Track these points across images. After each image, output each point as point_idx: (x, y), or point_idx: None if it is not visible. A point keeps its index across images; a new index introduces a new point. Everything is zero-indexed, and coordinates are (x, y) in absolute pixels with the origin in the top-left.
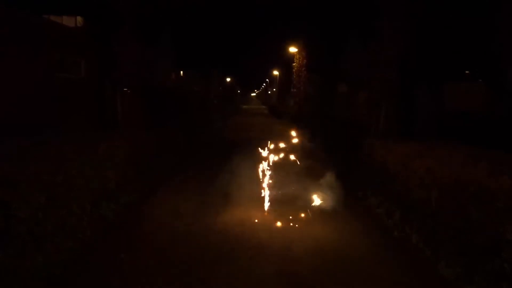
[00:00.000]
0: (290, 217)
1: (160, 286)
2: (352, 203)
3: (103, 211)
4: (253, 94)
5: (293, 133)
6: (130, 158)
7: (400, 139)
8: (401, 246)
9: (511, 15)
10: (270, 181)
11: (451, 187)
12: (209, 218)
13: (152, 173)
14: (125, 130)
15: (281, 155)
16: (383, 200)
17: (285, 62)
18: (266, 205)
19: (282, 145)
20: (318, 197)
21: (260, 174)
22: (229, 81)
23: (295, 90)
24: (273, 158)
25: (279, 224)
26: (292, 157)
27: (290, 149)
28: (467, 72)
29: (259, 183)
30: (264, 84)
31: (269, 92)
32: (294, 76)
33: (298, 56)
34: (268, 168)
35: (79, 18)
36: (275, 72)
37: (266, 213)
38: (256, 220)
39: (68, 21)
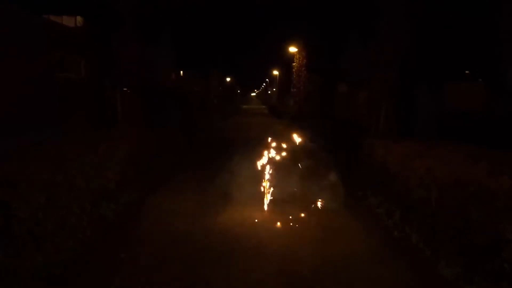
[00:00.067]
0: (290, 217)
1: (160, 286)
2: (352, 203)
3: (103, 211)
4: (253, 94)
5: (293, 133)
6: (130, 158)
7: (400, 139)
8: (401, 246)
9: (511, 15)
10: (270, 181)
11: (451, 187)
12: (209, 218)
13: (152, 173)
14: (125, 130)
15: (281, 155)
16: (383, 200)
17: (285, 62)
18: (266, 204)
19: (282, 145)
20: (318, 196)
21: (260, 174)
22: (229, 81)
23: (295, 90)
24: (272, 158)
25: (278, 223)
26: (291, 157)
27: (290, 149)
28: (467, 72)
29: (259, 183)
30: (264, 84)
31: (269, 92)
32: (294, 76)
33: (298, 56)
34: (268, 168)
35: (79, 18)
36: (275, 72)
37: (266, 213)
38: (256, 220)
39: (68, 21)
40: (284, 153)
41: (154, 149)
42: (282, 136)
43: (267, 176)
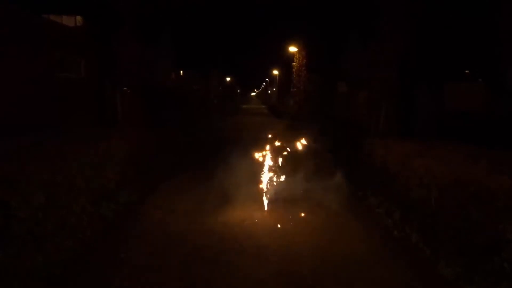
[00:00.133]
0: (290, 216)
1: (160, 286)
2: (352, 203)
3: (103, 211)
4: (253, 94)
5: (293, 133)
6: (130, 158)
7: (400, 139)
8: (401, 246)
9: (511, 15)
10: (270, 181)
11: (451, 187)
12: (209, 218)
13: (152, 172)
14: (125, 130)
15: (281, 155)
16: (383, 200)
17: (285, 61)
18: (266, 203)
19: (282, 145)
20: (318, 196)
21: (260, 173)
22: (229, 81)
23: (295, 89)
24: (272, 158)
25: (278, 223)
26: (291, 157)
27: (290, 149)
28: (467, 72)
29: (259, 183)
30: (264, 83)
31: (269, 91)
32: (294, 76)
33: (298, 55)
34: (268, 168)
35: (78, 18)
36: (275, 72)
37: (265, 213)
38: (256, 220)
39: (68, 20)
40: (284, 153)
41: (154, 149)
42: (282, 136)
43: (267, 176)
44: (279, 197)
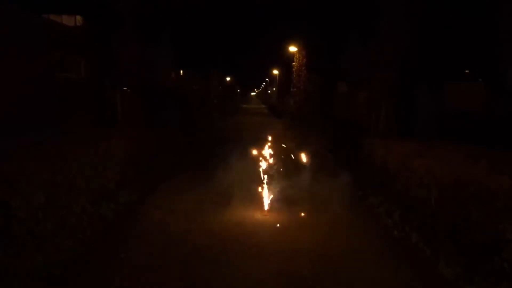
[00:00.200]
0: (290, 216)
1: (160, 286)
2: (352, 203)
3: (103, 211)
4: (253, 94)
5: (293, 133)
6: (130, 158)
7: (400, 139)
8: (401, 246)
9: (511, 15)
10: (270, 180)
11: (451, 187)
12: (209, 218)
13: (152, 172)
14: (125, 129)
15: (281, 155)
16: (383, 200)
17: (285, 61)
18: (266, 203)
19: (282, 145)
20: (318, 196)
21: (261, 173)
22: (229, 81)
23: (295, 89)
24: (273, 158)
25: (278, 222)
26: (292, 156)
27: (290, 149)
28: (467, 72)
29: (259, 182)
30: (264, 83)
31: (269, 91)
32: (294, 76)
33: (298, 55)
34: (269, 168)
35: (78, 18)
36: (275, 72)
37: (265, 212)
38: (256, 219)
39: (67, 20)
40: (284, 153)
41: (154, 149)
42: (282, 136)
43: (267, 176)
44: (279, 197)
